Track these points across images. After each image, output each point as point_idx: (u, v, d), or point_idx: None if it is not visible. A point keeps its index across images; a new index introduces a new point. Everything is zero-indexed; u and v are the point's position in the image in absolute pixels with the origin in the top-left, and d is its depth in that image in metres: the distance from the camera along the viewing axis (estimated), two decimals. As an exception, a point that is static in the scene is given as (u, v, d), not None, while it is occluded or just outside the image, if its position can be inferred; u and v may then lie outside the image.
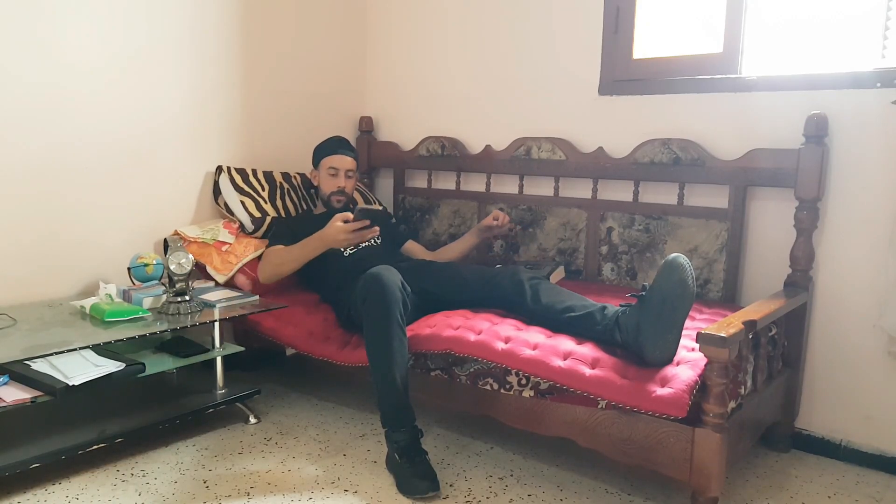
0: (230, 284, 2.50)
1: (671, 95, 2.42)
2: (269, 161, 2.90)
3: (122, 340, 1.96)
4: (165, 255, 2.42)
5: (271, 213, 2.63)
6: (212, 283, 2.48)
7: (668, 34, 2.52)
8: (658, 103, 2.45)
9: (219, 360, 2.30)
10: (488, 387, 1.97)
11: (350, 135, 3.20)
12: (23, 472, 1.83)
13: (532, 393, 1.89)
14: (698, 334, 1.61)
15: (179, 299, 2.19)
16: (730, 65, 2.32)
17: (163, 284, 2.30)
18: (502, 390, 1.94)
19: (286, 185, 2.78)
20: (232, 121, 2.78)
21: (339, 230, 2.23)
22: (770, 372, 2.02)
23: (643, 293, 1.78)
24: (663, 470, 1.69)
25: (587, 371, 1.75)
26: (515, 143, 2.75)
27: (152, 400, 2.23)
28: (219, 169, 2.68)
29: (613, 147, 2.52)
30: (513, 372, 1.91)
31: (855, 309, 2.13)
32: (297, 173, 2.87)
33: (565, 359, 1.80)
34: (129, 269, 2.30)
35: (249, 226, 2.59)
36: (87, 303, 2.17)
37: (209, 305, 2.26)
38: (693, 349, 1.73)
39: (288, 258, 2.34)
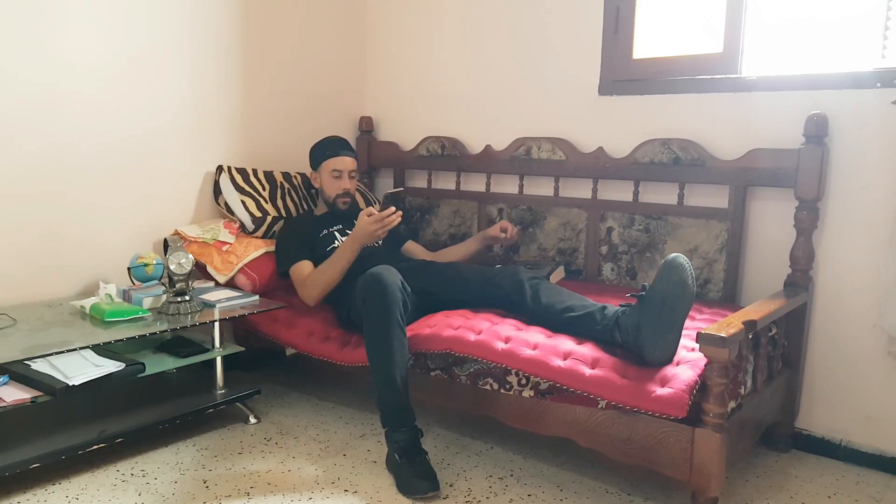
0: (230, 284, 2.49)
1: (671, 95, 2.42)
2: (270, 161, 2.90)
3: (122, 340, 1.96)
4: (165, 255, 2.42)
5: (272, 212, 2.63)
6: (212, 283, 2.48)
7: (668, 34, 2.52)
8: (658, 103, 2.45)
9: (219, 360, 2.30)
10: (488, 387, 1.97)
11: (350, 135, 3.20)
12: (23, 472, 1.83)
13: (532, 393, 1.89)
14: (698, 334, 1.61)
15: (179, 299, 2.19)
16: (730, 65, 2.32)
17: (163, 284, 2.30)
18: (502, 390, 1.94)
19: (287, 185, 2.78)
20: (232, 120, 2.78)
21: (370, 223, 2.21)
22: (770, 372, 2.02)
23: (643, 293, 1.78)
24: (663, 470, 1.69)
25: (587, 371, 1.75)
26: (515, 143, 2.75)
27: (152, 400, 2.23)
28: (219, 169, 2.68)
29: (613, 147, 2.52)
30: (513, 372, 1.91)
31: (855, 309, 2.13)
32: (298, 173, 2.87)
33: (565, 359, 1.80)
34: (129, 269, 2.30)
35: (250, 225, 2.59)
36: (87, 303, 2.17)
37: (209, 305, 2.26)
38: (693, 349, 1.73)
39: (331, 273, 2.28)
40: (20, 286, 2.24)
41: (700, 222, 2.34)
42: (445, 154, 2.96)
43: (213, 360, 2.29)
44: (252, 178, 2.69)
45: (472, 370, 2.00)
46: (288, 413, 2.43)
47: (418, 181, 3.13)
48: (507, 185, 2.84)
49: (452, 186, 2.98)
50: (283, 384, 2.69)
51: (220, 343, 2.30)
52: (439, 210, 2.99)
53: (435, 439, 2.24)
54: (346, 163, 2.55)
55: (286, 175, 2.83)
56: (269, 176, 2.76)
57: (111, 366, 1.95)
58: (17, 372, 1.87)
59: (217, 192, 2.69)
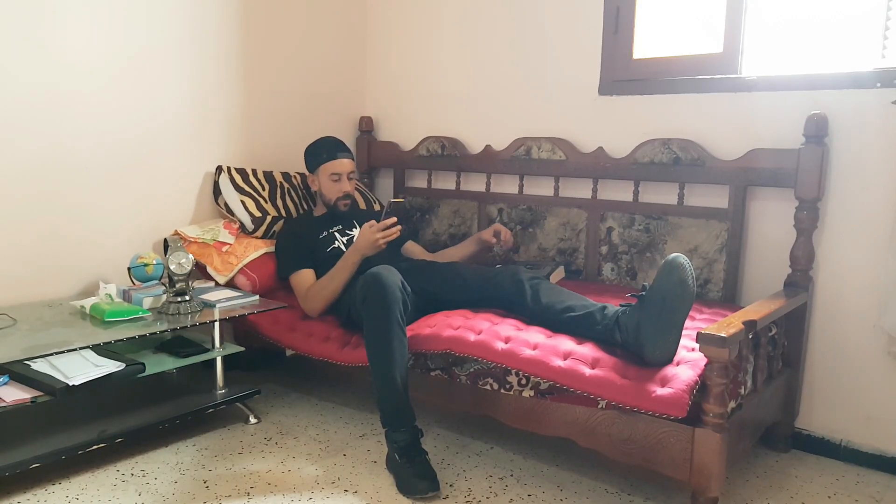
0: (230, 285, 2.49)
1: (671, 95, 2.42)
2: (269, 161, 2.90)
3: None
4: (165, 255, 2.42)
5: (272, 212, 2.63)
6: (212, 284, 2.48)
7: (668, 34, 2.52)
8: (658, 103, 2.45)
9: (219, 360, 2.30)
10: (488, 387, 1.97)
11: (350, 135, 3.20)
12: (23, 472, 1.83)
13: (532, 393, 1.89)
14: (698, 334, 1.61)
15: (179, 299, 2.19)
16: (730, 65, 2.32)
17: (163, 284, 2.30)
18: (502, 390, 1.94)
19: (286, 185, 2.78)
20: (232, 121, 2.78)
21: (371, 233, 2.22)
22: (770, 372, 2.02)
23: (643, 293, 1.78)
24: (663, 470, 1.69)
25: (587, 371, 1.75)
26: (515, 143, 2.75)
27: (152, 400, 2.23)
28: (219, 169, 2.68)
29: (613, 147, 2.52)
30: (513, 372, 1.91)
31: (855, 309, 2.13)
32: (297, 173, 2.87)
33: (565, 359, 1.80)
34: (129, 269, 2.30)
35: (250, 225, 2.59)
36: (87, 303, 2.17)
37: (209, 305, 2.26)
38: (693, 349, 1.73)
39: (333, 286, 2.28)
40: (20, 286, 2.24)
41: (700, 222, 2.34)
42: (445, 154, 2.96)
43: (213, 360, 2.29)
44: (252, 179, 2.69)
45: (472, 370, 2.00)
46: (288, 413, 2.43)
47: (418, 181, 3.13)
48: (507, 185, 2.84)
49: (452, 186, 2.98)
50: (283, 384, 2.69)
51: (220, 343, 2.29)
52: (439, 210, 2.99)
53: (435, 439, 2.24)
54: (344, 165, 2.54)
55: (286, 175, 2.83)
56: (268, 176, 2.76)
57: (111, 366, 1.95)
58: (17, 372, 1.87)
59: (217, 192, 2.69)
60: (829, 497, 1.96)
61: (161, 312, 2.18)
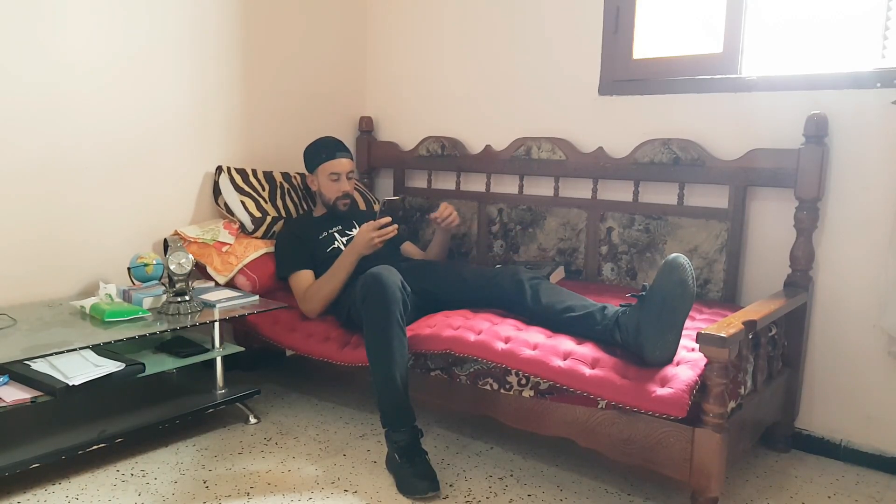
0: (230, 285, 2.49)
1: (671, 95, 2.42)
2: (269, 161, 2.90)
3: (122, 340, 1.96)
4: (165, 255, 2.42)
5: (272, 213, 2.63)
6: (212, 284, 2.48)
7: (668, 34, 2.52)
8: (658, 103, 2.45)
9: (219, 360, 2.30)
10: (488, 387, 1.97)
11: (350, 135, 3.20)
12: (23, 472, 1.83)
13: (532, 393, 1.89)
14: (698, 334, 1.61)
15: (179, 299, 2.19)
16: (730, 65, 2.32)
17: (163, 284, 2.30)
18: (502, 390, 1.94)
19: (286, 185, 2.78)
20: (232, 121, 2.78)
21: (367, 231, 2.23)
22: (770, 372, 2.02)
23: (643, 293, 1.78)
24: (663, 470, 1.69)
25: (587, 371, 1.75)
26: (515, 143, 2.75)
27: (152, 400, 2.23)
28: (219, 169, 2.68)
29: (613, 147, 2.52)
30: (513, 372, 1.91)
31: (855, 309, 2.13)
32: (297, 173, 2.87)
33: (565, 359, 1.80)
34: (129, 269, 2.30)
35: (250, 226, 2.59)
36: (87, 303, 2.17)
37: (209, 305, 2.26)
38: (693, 349, 1.73)
39: (331, 286, 2.29)
40: (20, 286, 2.24)
41: (700, 222, 2.34)
42: (445, 154, 2.96)
43: (213, 361, 2.29)
44: (252, 179, 2.69)
45: (472, 370, 2.00)
46: (288, 413, 2.43)
47: (418, 181, 3.13)
48: (507, 185, 2.84)
49: (452, 186, 2.98)
50: (283, 384, 2.69)
51: (220, 343, 2.29)
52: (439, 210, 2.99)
53: (435, 439, 2.24)
54: (343, 165, 2.54)
55: (286, 175, 2.83)
56: (268, 176, 2.76)
57: (111, 366, 1.95)
58: (17, 372, 1.87)
59: (217, 192, 2.69)
60: (829, 497, 1.96)
61: (161, 312, 2.18)
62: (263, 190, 2.68)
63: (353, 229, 2.54)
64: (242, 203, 2.59)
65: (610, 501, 1.90)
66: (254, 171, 2.73)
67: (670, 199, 2.42)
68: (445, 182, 3.02)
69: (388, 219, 2.25)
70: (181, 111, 2.61)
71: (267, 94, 2.88)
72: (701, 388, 1.65)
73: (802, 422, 2.24)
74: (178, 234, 2.56)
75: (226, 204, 2.65)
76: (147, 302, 2.21)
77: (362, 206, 2.86)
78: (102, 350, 2.02)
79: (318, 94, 3.08)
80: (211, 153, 2.72)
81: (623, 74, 2.53)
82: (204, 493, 1.88)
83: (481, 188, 2.90)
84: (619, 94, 2.54)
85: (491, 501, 1.88)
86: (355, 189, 2.70)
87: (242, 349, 2.36)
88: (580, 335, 1.89)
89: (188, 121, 2.63)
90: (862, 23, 2.13)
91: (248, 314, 2.27)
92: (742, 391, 1.82)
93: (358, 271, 2.22)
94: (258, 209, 2.61)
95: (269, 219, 2.62)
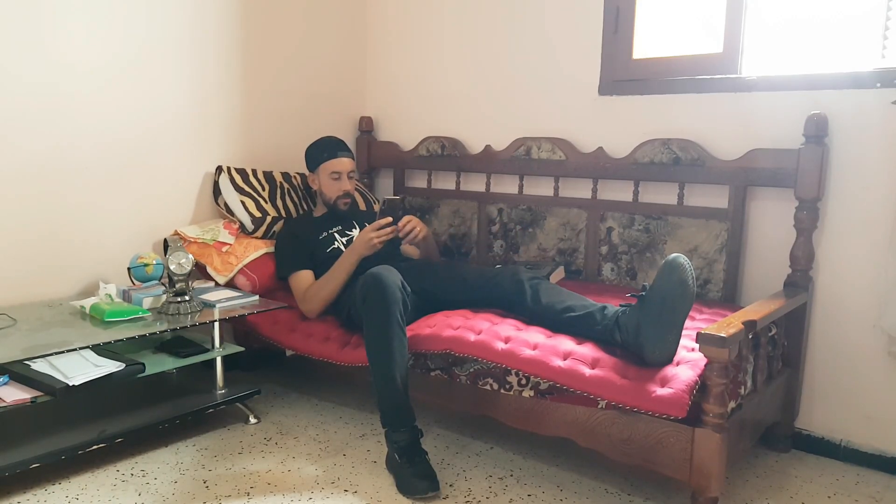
0: (230, 285, 2.49)
1: (671, 95, 2.42)
2: (269, 161, 2.90)
3: (122, 340, 1.96)
4: (165, 255, 2.42)
5: (272, 213, 2.63)
6: (212, 284, 2.48)
7: (668, 34, 2.52)
8: (658, 103, 2.45)
9: (219, 360, 2.30)
10: (488, 387, 1.97)
11: (350, 135, 3.20)
12: (23, 472, 1.83)
13: (532, 393, 1.89)
14: (698, 334, 1.61)
15: (179, 299, 2.19)
16: (730, 65, 2.32)
17: (163, 284, 2.30)
18: (502, 390, 1.94)
19: (286, 185, 2.78)
20: (232, 121, 2.78)
21: (366, 232, 2.24)
22: (770, 372, 2.02)
23: (643, 293, 1.78)
24: (663, 470, 1.69)
25: (587, 371, 1.75)
26: (515, 143, 2.75)
27: (152, 400, 2.23)
28: (219, 169, 2.68)
29: (613, 147, 2.52)
30: (513, 372, 1.91)
31: (855, 309, 2.13)
32: (297, 173, 2.87)
33: (565, 359, 1.80)
34: (129, 269, 2.30)
35: (250, 226, 2.59)
36: (87, 303, 2.17)
37: (209, 305, 2.26)
38: (693, 349, 1.73)
39: (331, 287, 2.29)
40: (20, 286, 2.24)
41: (700, 222, 2.34)
42: (445, 154, 2.96)
43: (213, 361, 2.29)
44: (251, 179, 2.69)
45: (472, 370, 2.00)
46: (288, 413, 2.43)
47: (418, 181, 3.13)
48: (507, 185, 2.84)
49: (452, 186, 2.98)
50: (283, 384, 2.69)
51: (220, 343, 2.29)
52: (439, 210, 2.99)
53: (435, 439, 2.24)
54: (344, 164, 2.54)
55: (286, 175, 2.83)
56: (268, 176, 2.76)
57: (111, 366, 1.95)
58: (17, 372, 1.87)
59: (217, 192, 2.69)
60: (829, 497, 1.96)
61: (161, 312, 2.18)
62: (263, 190, 2.68)
63: (354, 229, 2.54)
64: (242, 203, 2.59)
65: (610, 501, 1.90)
66: (254, 171, 2.73)
67: (670, 199, 2.42)
68: (445, 182, 3.02)
69: (389, 219, 2.24)
70: (181, 111, 2.61)
71: (267, 94, 2.88)
72: (701, 388, 1.65)
73: (802, 422, 2.24)
74: (178, 234, 2.56)
75: (226, 204, 2.65)
76: (147, 302, 2.21)
77: (362, 206, 2.86)
78: (102, 350, 2.02)
79: (318, 94, 3.08)
80: (211, 153, 2.72)
81: (623, 74, 2.53)
82: (204, 493, 1.88)
83: (481, 188, 2.90)
84: (619, 94, 2.54)
85: (491, 501, 1.88)
86: (356, 189, 2.70)
87: (242, 349, 2.36)
88: (580, 335, 1.89)
89: (188, 121, 2.63)
90: (862, 23, 2.13)
91: (248, 314, 2.27)
92: (742, 391, 1.82)
93: (358, 271, 2.22)
94: (258, 209, 2.61)
95: (269, 219, 2.62)
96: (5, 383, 1.86)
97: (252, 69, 2.81)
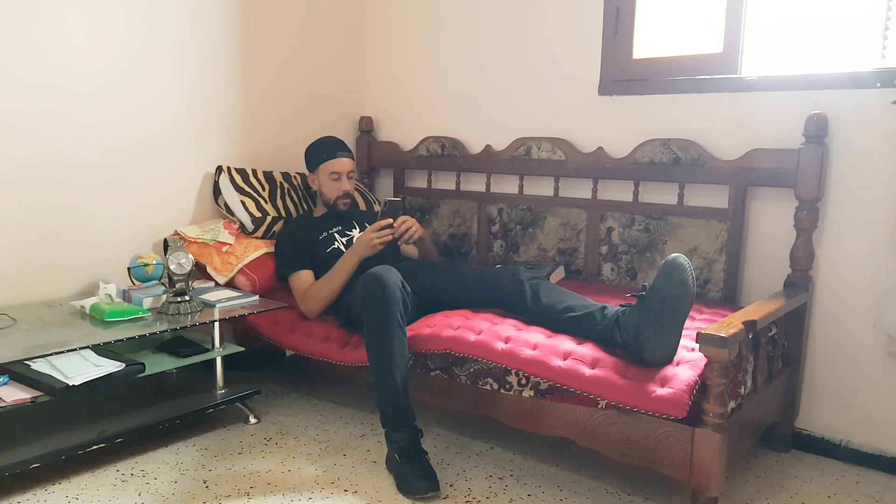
0: (230, 285, 2.49)
1: (671, 95, 2.42)
2: (269, 161, 2.90)
3: (122, 340, 1.96)
4: (165, 255, 2.42)
5: (272, 213, 2.63)
6: (212, 284, 2.48)
7: (668, 34, 2.52)
8: (658, 103, 2.45)
9: (219, 360, 2.30)
10: (488, 387, 1.97)
11: (350, 135, 3.20)
12: (23, 472, 1.83)
13: (532, 393, 1.89)
14: (698, 334, 1.61)
15: (179, 299, 2.19)
16: (730, 65, 2.32)
17: (163, 284, 2.30)
18: (502, 390, 1.94)
19: (286, 185, 2.78)
20: (232, 121, 2.78)
21: (367, 233, 2.24)
22: (770, 372, 2.02)
23: (643, 293, 1.78)
24: (663, 470, 1.69)
25: (587, 371, 1.75)
26: (515, 143, 2.75)
27: (152, 400, 2.23)
28: (219, 169, 2.68)
29: (613, 147, 2.52)
30: (513, 372, 1.91)
31: (855, 309, 2.13)
32: (297, 173, 2.87)
33: (565, 359, 1.80)
34: (129, 269, 2.30)
35: (250, 226, 2.59)
36: (87, 303, 2.17)
37: (209, 305, 2.26)
38: (693, 349, 1.73)
39: (331, 287, 2.29)
40: (20, 286, 2.24)
41: (700, 222, 2.34)
42: (445, 154, 2.96)
43: (213, 360, 2.29)
44: (252, 179, 2.69)
45: (472, 370, 2.00)
46: (288, 413, 2.43)
47: (418, 181, 3.13)
48: (507, 185, 2.84)
49: (452, 186, 2.98)
50: (283, 384, 2.69)
51: (220, 343, 2.29)
52: (439, 210, 2.99)
53: (435, 439, 2.24)
54: (343, 164, 2.54)
55: (286, 175, 2.83)
56: (268, 176, 2.76)
57: (111, 366, 1.95)
58: (17, 372, 1.87)
59: (217, 192, 2.69)
60: (829, 497, 1.96)
61: (161, 312, 2.18)
62: (263, 190, 2.68)
63: (353, 229, 2.54)
64: (242, 203, 2.59)
65: (610, 501, 1.90)
66: (254, 171, 2.73)
67: (670, 199, 2.42)
68: (445, 182, 3.02)
69: (389, 220, 2.24)
70: (181, 111, 2.61)
71: (267, 94, 2.88)
72: (701, 388, 1.65)
73: (802, 422, 2.24)
74: (178, 234, 2.56)
75: (226, 204, 2.65)
76: (147, 302, 2.21)
77: (362, 206, 2.86)
78: (102, 350, 2.02)
79: (318, 94, 3.08)
80: (211, 153, 2.72)
81: (623, 74, 2.53)
82: (204, 493, 1.88)
83: (481, 188, 2.90)
84: (619, 94, 2.54)
85: (491, 501, 1.88)
86: (356, 189, 2.70)
87: (242, 349, 2.36)
88: (580, 335, 1.89)
89: (188, 121, 2.63)
90: (862, 23, 2.13)
91: (248, 314, 2.27)
92: (742, 391, 1.82)
93: (358, 271, 2.22)
94: (258, 209, 2.61)
95: (269, 219, 2.62)
96: (5, 383, 1.86)
97: (252, 69, 2.81)
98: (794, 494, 1.97)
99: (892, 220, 2.02)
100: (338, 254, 2.39)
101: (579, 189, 2.64)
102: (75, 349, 1.89)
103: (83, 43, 2.31)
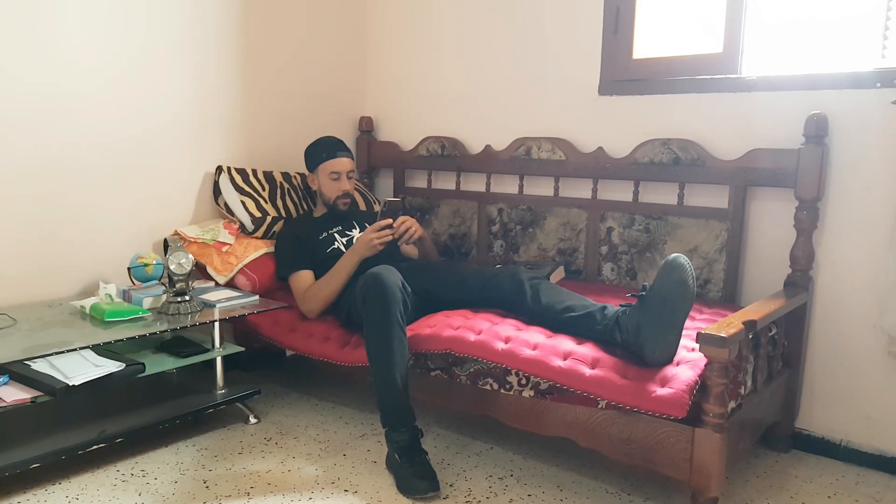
0: (230, 285, 2.49)
1: (671, 95, 2.42)
2: (269, 161, 2.90)
3: (122, 340, 1.96)
4: (165, 255, 2.42)
5: (272, 213, 2.63)
6: (212, 284, 2.48)
7: (668, 34, 2.52)
8: (658, 103, 2.45)
9: (219, 360, 2.30)
10: (488, 387, 1.97)
11: (350, 135, 3.20)
12: (23, 472, 1.83)
13: (532, 393, 1.89)
14: (698, 334, 1.61)
15: (179, 299, 2.19)
16: (730, 65, 2.32)
17: (163, 284, 2.30)
18: (502, 390, 1.94)
19: (286, 185, 2.78)
20: (232, 121, 2.78)
21: (366, 233, 2.24)
22: (770, 372, 2.02)
23: (643, 293, 1.78)
24: (663, 470, 1.69)
25: (587, 371, 1.75)
26: (515, 143, 2.75)
27: (152, 400, 2.23)
28: (219, 169, 2.68)
29: (613, 147, 2.52)
30: (513, 372, 1.91)
31: (855, 309, 2.13)
32: (297, 173, 2.87)
33: (565, 359, 1.80)
34: (129, 269, 2.30)
35: (250, 226, 2.59)
36: (87, 303, 2.17)
37: (209, 305, 2.26)
38: (693, 349, 1.73)
39: (331, 287, 2.29)
40: (20, 286, 2.24)
41: (700, 222, 2.34)
42: (445, 154, 2.96)
43: (213, 361, 2.29)
44: (252, 179, 2.69)
45: (472, 370, 2.00)
46: (288, 413, 2.43)
47: (418, 181, 3.13)
48: (507, 185, 2.84)
49: (452, 186, 2.98)
50: (283, 384, 2.69)
51: (220, 343, 2.29)
52: (439, 210, 2.99)
53: (435, 439, 2.24)
54: (343, 164, 2.54)
55: (286, 175, 2.83)
56: (268, 176, 2.76)
57: (111, 366, 1.95)
58: (17, 372, 1.87)
59: (217, 192, 2.69)
60: (829, 497, 1.96)
61: (161, 312, 2.18)
62: (263, 190, 2.68)
63: (353, 229, 2.54)
64: (242, 203, 2.59)
65: (610, 501, 1.90)
66: (254, 171, 2.73)
67: (670, 199, 2.42)
68: (445, 182, 3.02)
69: (389, 221, 2.24)
70: (181, 111, 2.61)
71: (267, 95, 2.88)
72: (701, 388, 1.65)
73: (802, 422, 2.24)
74: (178, 234, 2.56)
75: (226, 204, 2.65)
76: (147, 302, 2.21)
77: (362, 206, 2.86)
78: (102, 350, 2.02)
79: (318, 94, 3.08)
80: (211, 153, 2.72)
81: (623, 74, 2.53)
82: (204, 493, 1.88)
83: (481, 188, 2.90)
84: (619, 94, 2.54)
85: (491, 501, 1.88)
86: (355, 189, 2.70)
87: (242, 349, 2.36)
88: (580, 335, 1.89)
89: (188, 121, 2.63)
90: (862, 23, 2.13)
91: (248, 314, 2.27)
92: (742, 391, 1.82)
93: (358, 272, 2.22)
94: (258, 209, 2.61)
95: (269, 219, 2.62)
96: (5, 383, 1.86)
97: (252, 69, 2.81)
98: (794, 494, 1.97)
99: (892, 220, 2.02)
100: (338, 254, 2.39)
101: (579, 189, 2.64)
102: (75, 349, 1.89)
103: (83, 43, 2.31)
